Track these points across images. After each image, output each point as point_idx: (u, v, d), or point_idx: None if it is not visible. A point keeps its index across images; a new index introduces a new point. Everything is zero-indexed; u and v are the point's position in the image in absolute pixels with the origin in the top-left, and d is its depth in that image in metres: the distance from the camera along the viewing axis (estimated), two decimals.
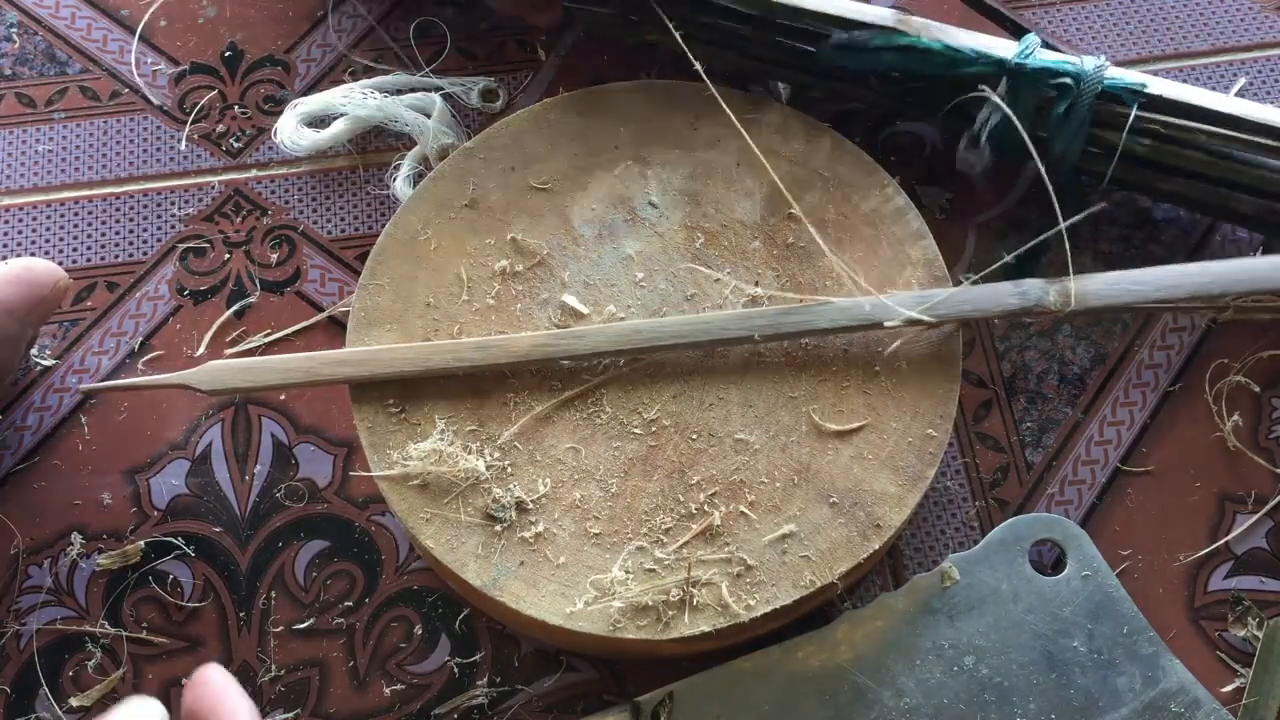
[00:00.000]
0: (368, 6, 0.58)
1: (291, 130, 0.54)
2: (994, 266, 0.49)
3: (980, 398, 0.51)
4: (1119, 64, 0.55)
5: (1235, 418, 0.50)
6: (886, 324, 0.46)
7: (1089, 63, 0.49)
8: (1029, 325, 0.52)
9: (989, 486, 0.49)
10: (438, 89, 0.55)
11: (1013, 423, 0.50)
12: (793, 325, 0.46)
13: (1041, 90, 0.49)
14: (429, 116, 0.54)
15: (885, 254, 0.49)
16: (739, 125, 0.49)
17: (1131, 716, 0.44)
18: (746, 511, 0.44)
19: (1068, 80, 0.49)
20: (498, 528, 0.44)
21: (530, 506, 0.44)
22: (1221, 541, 0.48)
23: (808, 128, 0.51)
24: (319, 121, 0.55)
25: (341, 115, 0.54)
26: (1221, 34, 0.59)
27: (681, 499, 0.45)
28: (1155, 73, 0.54)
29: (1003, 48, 0.50)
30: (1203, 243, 0.54)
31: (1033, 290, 0.47)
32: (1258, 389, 0.50)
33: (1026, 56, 0.49)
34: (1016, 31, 0.51)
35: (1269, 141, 0.48)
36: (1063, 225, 0.46)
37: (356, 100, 0.54)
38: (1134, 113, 0.49)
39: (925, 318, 0.45)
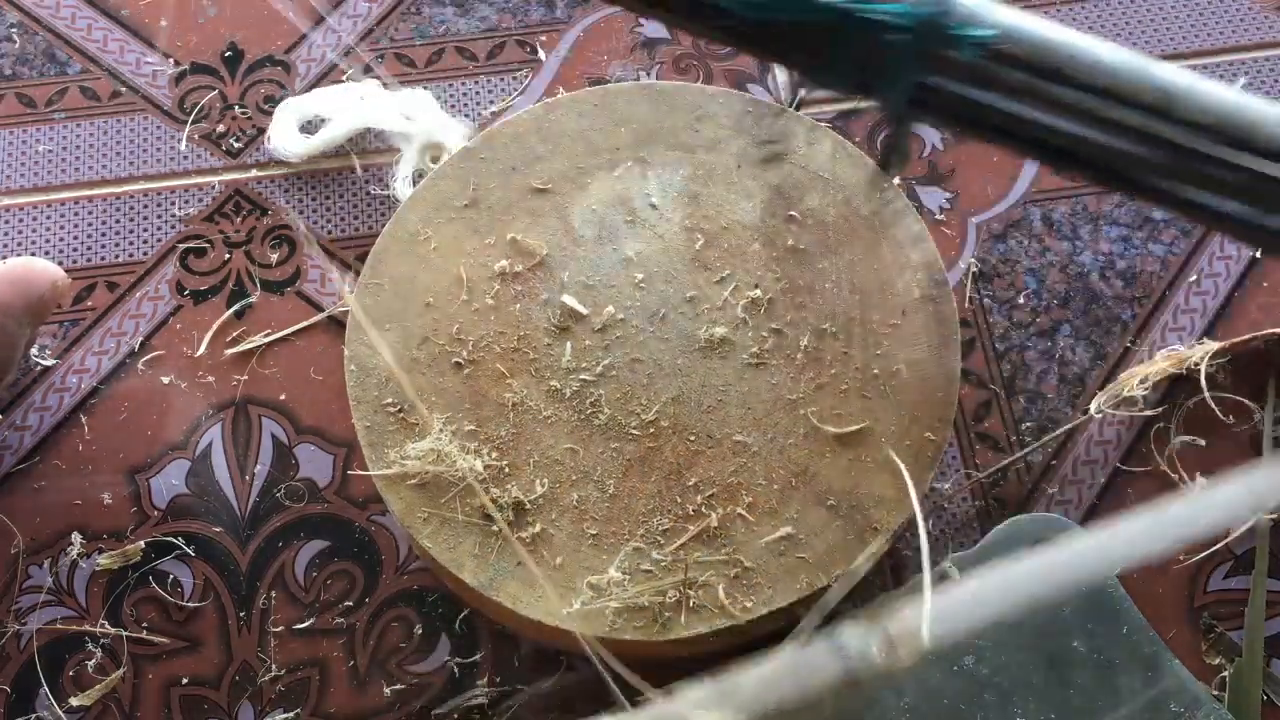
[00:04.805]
0: (368, 6, 0.58)
1: (285, 136, 0.54)
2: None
3: (980, 398, 0.51)
4: None
5: (1231, 419, 0.50)
6: None
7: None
8: (1029, 325, 0.52)
9: (989, 486, 0.49)
10: (435, 90, 0.55)
11: (1013, 422, 0.50)
12: None
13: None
14: (426, 117, 0.54)
15: (885, 257, 0.49)
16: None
17: (1131, 716, 0.43)
18: (744, 513, 0.44)
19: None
20: (495, 527, 0.44)
21: (528, 507, 0.44)
22: (1222, 543, 0.48)
23: (808, 129, 0.51)
24: (314, 124, 0.55)
25: (336, 118, 0.54)
26: (1221, 34, 0.59)
27: (679, 500, 0.45)
28: None
29: None
30: (1202, 242, 0.53)
31: (852, 644, 0.32)
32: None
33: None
34: None
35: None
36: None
37: (353, 101, 0.54)
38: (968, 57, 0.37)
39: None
